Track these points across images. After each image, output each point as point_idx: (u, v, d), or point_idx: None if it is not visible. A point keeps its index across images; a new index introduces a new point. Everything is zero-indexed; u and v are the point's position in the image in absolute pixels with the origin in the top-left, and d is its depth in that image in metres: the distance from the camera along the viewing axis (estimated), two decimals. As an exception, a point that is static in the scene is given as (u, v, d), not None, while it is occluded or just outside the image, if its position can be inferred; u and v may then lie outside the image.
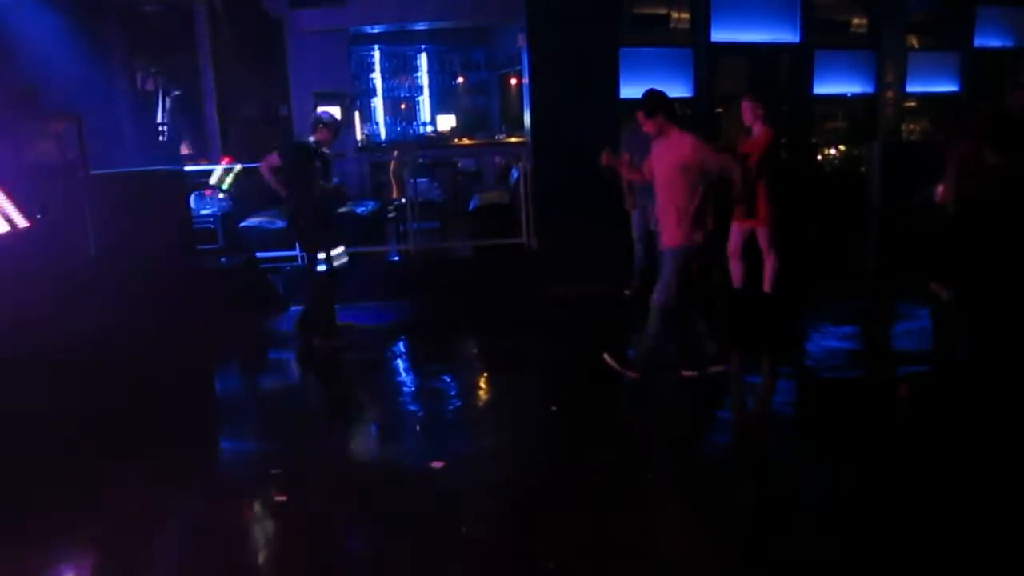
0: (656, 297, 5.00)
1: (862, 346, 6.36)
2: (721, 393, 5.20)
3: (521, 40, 8.41)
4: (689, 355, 5.19)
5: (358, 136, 12.60)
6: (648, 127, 4.94)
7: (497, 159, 12.35)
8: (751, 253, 6.50)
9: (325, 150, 6.14)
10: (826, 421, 4.67)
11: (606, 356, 5.20)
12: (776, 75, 9.69)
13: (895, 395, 5.23)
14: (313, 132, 6.13)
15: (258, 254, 7.85)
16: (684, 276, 4.95)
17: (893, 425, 4.60)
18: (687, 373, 5.18)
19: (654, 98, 4.90)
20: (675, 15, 9.17)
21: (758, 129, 6.23)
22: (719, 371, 5.12)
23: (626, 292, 7.25)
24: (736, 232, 6.47)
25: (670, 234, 4.95)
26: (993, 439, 4.19)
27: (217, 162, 9.71)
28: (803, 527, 3.47)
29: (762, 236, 6.33)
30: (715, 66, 9.19)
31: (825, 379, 5.38)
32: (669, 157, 4.88)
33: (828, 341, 6.13)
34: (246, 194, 8.91)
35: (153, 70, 10.30)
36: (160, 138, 10.29)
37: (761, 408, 5.03)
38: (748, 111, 6.24)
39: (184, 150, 10.74)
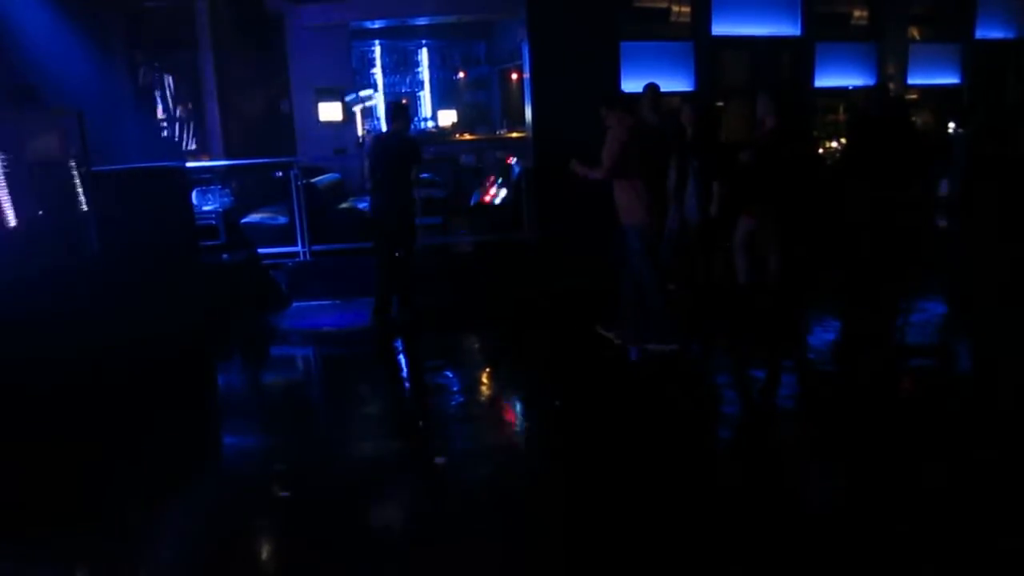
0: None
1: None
2: (726, 380, 5.35)
3: (522, 34, 8.39)
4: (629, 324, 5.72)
5: (359, 132, 12.59)
6: (609, 120, 5.57)
7: (498, 154, 12.34)
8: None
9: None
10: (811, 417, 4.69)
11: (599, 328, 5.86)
12: (777, 68, 9.67)
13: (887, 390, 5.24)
14: (393, 122, 6.43)
15: (260, 250, 7.85)
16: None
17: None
18: (605, 333, 5.80)
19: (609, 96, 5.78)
20: (676, 9, 9.17)
21: (770, 123, 6.32)
22: (663, 350, 5.53)
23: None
24: (743, 225, 6.46)
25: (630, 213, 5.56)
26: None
27: (219, 159, 9.75)
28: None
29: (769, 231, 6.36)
30: (716, 60, 9.18)
31: (812, 373, 5.40)
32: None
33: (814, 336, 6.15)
34: (247, 190, 8.91)
35: (156, 64, 10.29)
36: (162, 133, 10.30)
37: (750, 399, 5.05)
38: (761, 105, 6.42)
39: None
